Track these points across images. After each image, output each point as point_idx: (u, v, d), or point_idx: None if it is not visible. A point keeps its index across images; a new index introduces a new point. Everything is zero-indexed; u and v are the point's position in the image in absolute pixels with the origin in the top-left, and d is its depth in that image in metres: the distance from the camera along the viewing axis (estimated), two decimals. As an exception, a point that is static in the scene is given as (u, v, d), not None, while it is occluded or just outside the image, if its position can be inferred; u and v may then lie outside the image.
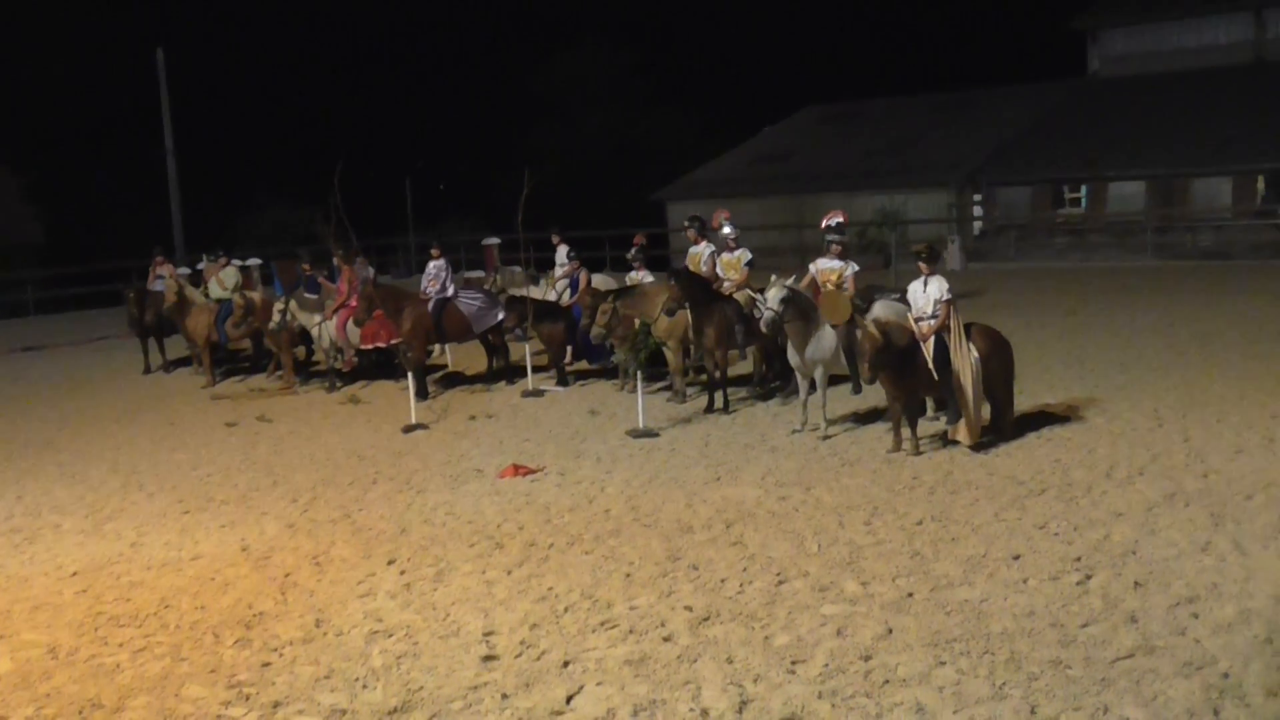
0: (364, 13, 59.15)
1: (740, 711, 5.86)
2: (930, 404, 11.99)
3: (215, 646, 7.17)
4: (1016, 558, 7.86)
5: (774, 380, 14.17)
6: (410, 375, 14.43)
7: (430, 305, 15.79)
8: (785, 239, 34.85)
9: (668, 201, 41.57)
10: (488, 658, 6.72)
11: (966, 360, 10.66)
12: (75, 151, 47.99)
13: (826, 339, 11.92)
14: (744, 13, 60.07)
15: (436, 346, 17.50)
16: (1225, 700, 5.66)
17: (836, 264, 12.48)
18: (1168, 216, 33.45)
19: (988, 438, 10.94)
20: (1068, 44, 41.67)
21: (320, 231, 19.61)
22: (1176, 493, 9.17)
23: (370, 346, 16.26)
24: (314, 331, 16.70)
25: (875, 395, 12.36)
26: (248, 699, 6.38)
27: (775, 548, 8.37)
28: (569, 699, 6.13)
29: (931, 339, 10.76)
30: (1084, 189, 36.23)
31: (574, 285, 16.38)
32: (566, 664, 6.56)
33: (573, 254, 16.91)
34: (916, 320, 10.96)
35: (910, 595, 7.27)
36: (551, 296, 16.86)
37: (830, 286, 12.36)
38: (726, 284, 13.82)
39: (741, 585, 7.64)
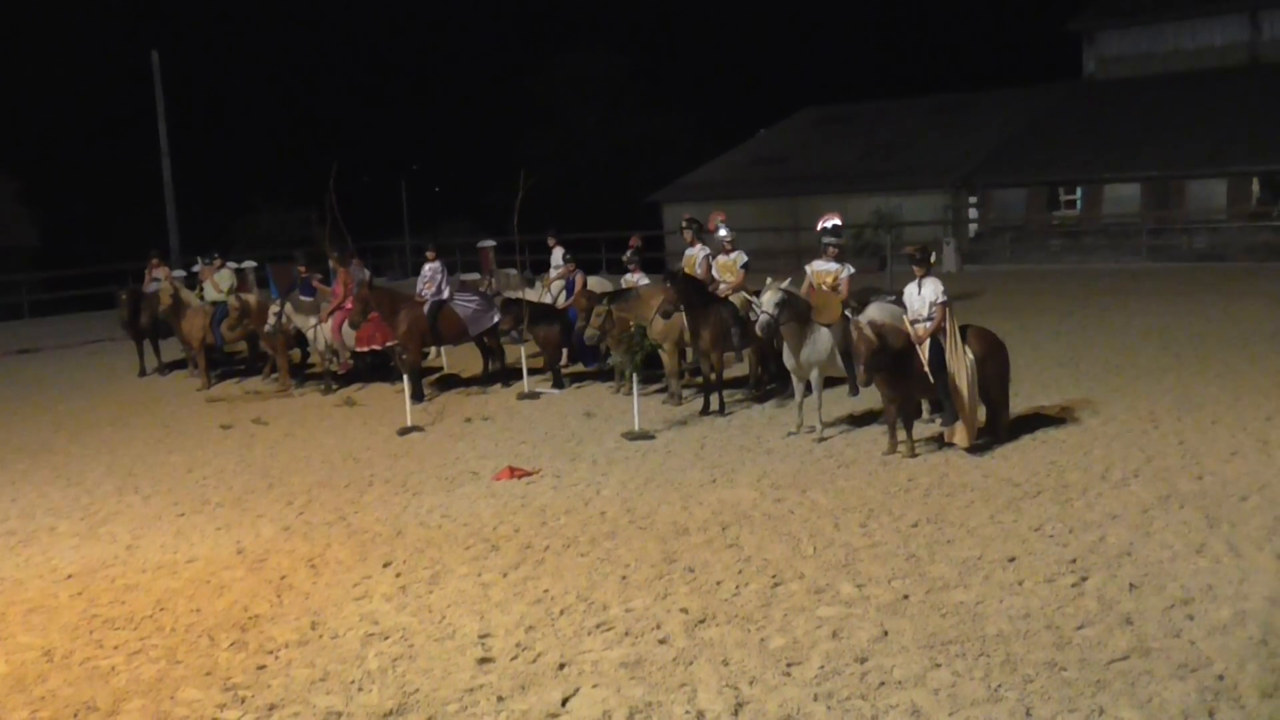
0: (360, 15, 59.21)
1: (736, 714, 5.86)
2: (926, 406, 12.00)
3: (210, 649, 7.17)
4: (1012, 560, 7.87)
5: (770, 383, 14.18)
6: (406, 378, 14.42)
7: (426, 308, 15.79)
8: (781, 241, 34.88)
9: (663, 204, 41.57)
10: (483, 660, 6.72)
11: (962, 362, 10.67)
12: (70, 154, 47.97)
13: (822, 341, 11.93)
14: (740, 15, 60.20)
15: (432, 349, 17.50)
16: (1220, 702, 5.67)
17: (833, 266, 12.51)
18: (1163, 218, 33.47)
19: (983, 440, 10.94)
20: (1063, 46, 41.70)
21: (316, 234, 19.64)
22: (1171, 495, 9.18)
23: (366, 349, 16.26)
24: (309, 334, 16.68)
25: (871, 398, 12.37)
26: (243, 702, 6.38)
27: (771, 550, 8.37)
28: (564, 701, 6.13)
29: (927, 341, 10.77)
30: (1079, 191, 36.26)
31: (570, 288, 16.38)
32: (562, 666, 6.56)
33: (568, 256, 16.92)
34: (912, 322, 10.97)
35: (906, 597, 7.28)
36: (547, 299, 16.85)
37: (826, 289, 12.38)
38: (722, 286, 13.83)
39: (737, 587, 7.64)
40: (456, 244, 32.95)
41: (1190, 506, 8.84)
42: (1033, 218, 36.35)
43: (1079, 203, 36.31)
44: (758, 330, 12.05)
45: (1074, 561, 7.76)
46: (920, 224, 33.72)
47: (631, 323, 13.46)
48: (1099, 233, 34.01)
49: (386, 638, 7.16)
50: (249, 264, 20.22)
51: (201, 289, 18.78)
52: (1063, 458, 10.53)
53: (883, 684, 6.07)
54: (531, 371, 15.89)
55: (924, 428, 11.58)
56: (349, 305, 15.89)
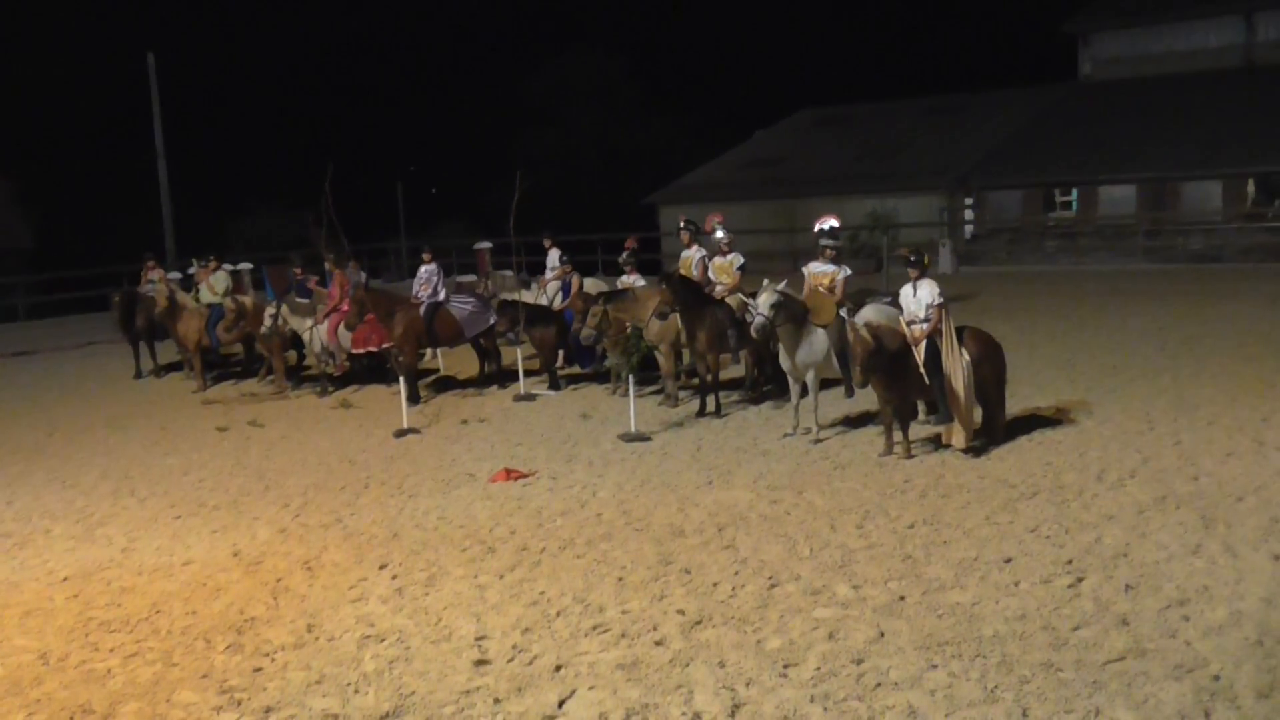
0: (356, 18, 59.21)
1: (732, 715, 5.86)
2: (922, 407, 12.00)
3: (206, 652, 7.16)
4: (1008, 561, 7.87)
5: (766, 384, 14.18)
6: (402, 380, 14.41)
7: (422, 310, 15.78)
8: (777, 243, 34.92)
9: (660, 205, 41.62)
10: (480, 662, 6.72)
11: (958, 364, 10.68)
12: (66, 156, 47.93)
13: (818, 343, 11.94)
14: (736, 17, 60.24)
15: (428, 351, 17.49)
16: (1216, 703, 5.67)
17: (829, 268, 12.53)
18: (1158, 220, 33.56)
19: (979, 441, 10.95)
20: (1059, 47, 41.81)
21: (312, 236, 19.62)
22: (1167, 496, 9.19)
23: (362, 351, 16.25)
24: (305, 336, 16.66)
25: (867, 399, 12.37)
26: (239, 704, 6.37)
27: (767, 551, 8.37)
28: (561, 703, 6.12)
29: (924, 342, 10.78)
30: (1075, 192, 36.35)
31: (566, 289, 16.38)
32: (558, 668, 6.55)
33: (564, 258, 16.92)
34: (908, 324, 10.98)
35: (902, 598, 7.28)
36: (543, 300, 16.85)
37: (822, 290, 12.38)
38: (719, 288, 13.84)
39: (734, 589, 7.64)
40: (452, 246, 32.97)
41: (1186, 507, 8.85)
42: (1028, 219, 36.43)
43: (1075, 204, 36.41)
44: (753, 332, 12.06)
45: (1070, 562, 7.77)
46: (916, 225, 33.78)
47: (628, 324, 13.46)
48: (1095, 234, 34.07)
49: (382, 640, 7.15)
50: (245, 266, 20.19)
51: (197, 291, 18.75)
52: (1059, 459, 10.54)
53: (879, 685, 6.07)
54: (528, 373, 15.89)
55: (920, 429, 11.59)
56: (345, 307, 15.87)
